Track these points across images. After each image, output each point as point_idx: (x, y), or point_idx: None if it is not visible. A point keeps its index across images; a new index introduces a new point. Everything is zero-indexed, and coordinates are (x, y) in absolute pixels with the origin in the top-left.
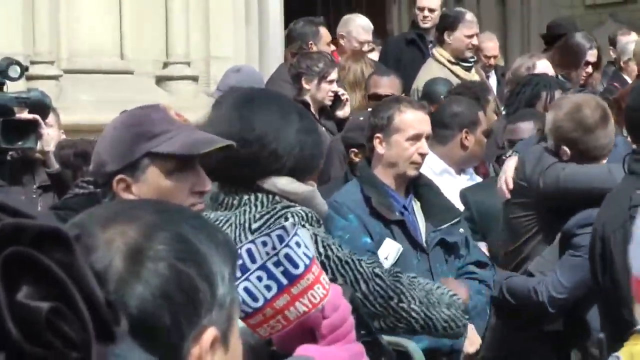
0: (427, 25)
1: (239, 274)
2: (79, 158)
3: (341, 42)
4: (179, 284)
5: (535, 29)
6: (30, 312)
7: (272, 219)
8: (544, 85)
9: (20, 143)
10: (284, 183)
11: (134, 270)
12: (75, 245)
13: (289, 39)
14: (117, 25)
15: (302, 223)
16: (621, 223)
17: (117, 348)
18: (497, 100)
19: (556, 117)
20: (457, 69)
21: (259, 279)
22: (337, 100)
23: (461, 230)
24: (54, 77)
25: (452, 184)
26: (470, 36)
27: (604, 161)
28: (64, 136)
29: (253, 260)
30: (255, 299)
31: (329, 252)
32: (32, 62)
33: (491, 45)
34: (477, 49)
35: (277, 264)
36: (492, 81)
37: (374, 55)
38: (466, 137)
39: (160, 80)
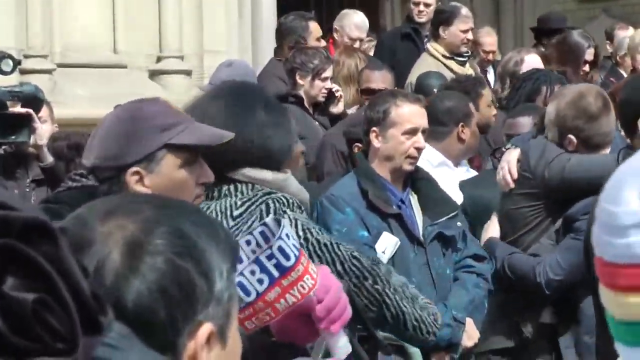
0: (423, 19)
1: None
2: (72, 150)
3: (335, 35)
4: (176, 279)
5: (528, 23)
6: (16, 304)
7: (253, 206)
8: (545, 79)
9: (13, 137)
10: (252, 172)
11: (132, 265)
12: (60, 237)
13: (279, 33)
14: (111, 19)
15: (284, 209)
16: None
17: (118, 342)
18: (493, 95)
19: (559, 106)
20: (451, 63)
21: (252, 273)
22: (331, 96)
23: (459, 223)
24: (47, 71)
25: (450, 176)
26: (466, 31)
27: (607, 150)
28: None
29: (239, 261)
30: (247, 294)
31: (308, 235)
32: (25, 56)
33: (490, 40)
34: (475, 44)
35: (270, 257)
36: (491, 76)
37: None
38: (462, 131)
39: (153, 74)
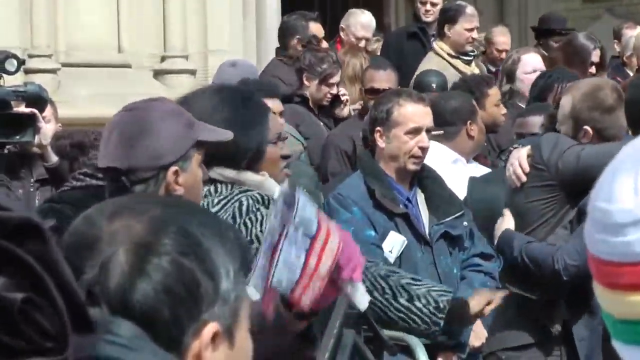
0: (430, 19)
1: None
2: (75, 149)
3: (342, 35)
4: (181, 278)
5: (532, 23)
6: (5, 303)
7: (229, 203)
8: (557, 77)
9: (17, 137)
10: (228, 172)
11: (138, 264)
12: (51, 237)
13: (281, 32)
14: (115, 18)
15: (257, 206)
16: None
17: (130, 342)
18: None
19: (574, 99)
20: (457, 62)
21: (289, 249)
22: (337, 99)
23: (465, 223)
24: (52, 71)
25: (465, 173)
26: (471, 30)
27: None
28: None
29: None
30: (293, 272)
31: None
32: (30, 56)
33: (503, 39)
34: (489, 43)
35: (297, 226)
36: None
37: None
38: (471, 128)
39: (158, 73)
